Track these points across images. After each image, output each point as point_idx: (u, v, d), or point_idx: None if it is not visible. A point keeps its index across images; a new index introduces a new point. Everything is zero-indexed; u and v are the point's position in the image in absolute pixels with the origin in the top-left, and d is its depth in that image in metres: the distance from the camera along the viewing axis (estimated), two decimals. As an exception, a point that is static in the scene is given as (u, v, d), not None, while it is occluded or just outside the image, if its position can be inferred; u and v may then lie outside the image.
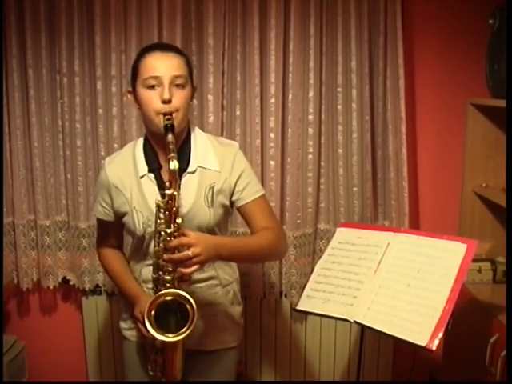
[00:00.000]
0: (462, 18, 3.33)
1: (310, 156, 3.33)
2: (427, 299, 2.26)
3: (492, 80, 3.05)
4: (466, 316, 2.84)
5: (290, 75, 3.25)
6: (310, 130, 3.30)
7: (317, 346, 3.60)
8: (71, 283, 3.55)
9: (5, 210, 3.43)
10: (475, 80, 3.23)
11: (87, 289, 3.51)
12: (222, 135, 3.30)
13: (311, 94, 3.27)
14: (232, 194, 2.35)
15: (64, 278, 3.54)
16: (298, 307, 2.55)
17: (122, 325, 2.55)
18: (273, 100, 3.24)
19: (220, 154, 2.34)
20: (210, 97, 3.25)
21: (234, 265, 2.55)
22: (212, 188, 2.29)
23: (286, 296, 3.52)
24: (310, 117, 3.29)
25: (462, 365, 3.03)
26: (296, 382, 3.67)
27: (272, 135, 3.27)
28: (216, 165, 2.31)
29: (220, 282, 2.43)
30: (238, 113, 3.31)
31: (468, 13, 3.31)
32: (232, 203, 2.38)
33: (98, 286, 3.51)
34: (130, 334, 2.51)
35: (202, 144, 2.35)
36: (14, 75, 3.27)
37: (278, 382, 3.67)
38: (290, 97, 3.27)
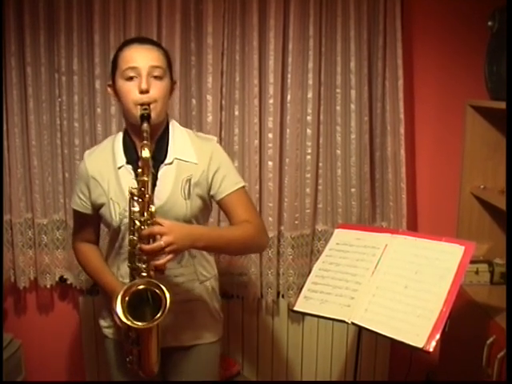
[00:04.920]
0: (462, 19, 3.33)
1: (309, 157, 3.33)
2: (425, 301, 2.25)
3: (491, 82, 3.05)
4: (463, 317, 2.84)
5: (289, 76, 3.25)
6: (309, 131, 3.30)
7: (314, 346, 3.60)
8: (68, 282, 3.54)
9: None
10: (474, 81, 3.24)
11: (84, 288, 3.50)
12: (220, 135, 3.31)
13: (310, 94, 3.27)
14: (210, 188, 2.36)
15: (61, 277, 3.53)
16: (296, 308, 2.55)
17: (102, 323, 2.55)
18: (271, 100, 3.24)
19: (198, 146, 2.37)
20: (209, 97, 3.25)
21: (212, 261, 2.55)
22: (189, 180, 2.31)
23: (283, 296, 3.52)
24: (309, 117, 3.29)
25: (458, 366, 3.03)
26: (295, 382, 3.67)
27: (270, 136, 3.27)
28: (194, 157, 2.33)
29: (197, 278, 2.43)
30: (236, 113, 3.31)
31: (468, 14, 3.32)
32: (212, 197, 2.39)
33: (94, 285, 3.50)
34: (109, 332, 2.52)
35: (180, 137, 2.38)
36: (12, 73, 3.27)
37: (276, 382, 3.67)
38: (288, 97, 3.28)
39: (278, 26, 3.19)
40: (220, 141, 3.31)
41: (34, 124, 3.32)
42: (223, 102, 3.32)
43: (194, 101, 3.32)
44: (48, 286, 3.55)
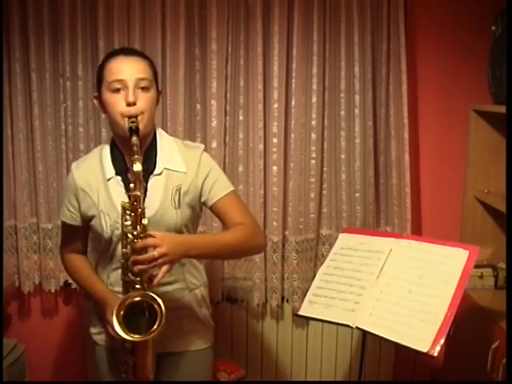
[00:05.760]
0: (465, 24, 3.34)
1: (313, 161, 3.34)
2: (429, 305, 2.26)
3: (494, 86, 3.06)
4: (467, 322, 2.84)
5: (293, 81, 3.27)
6: (313, 136, 3.31)
7: (318, 351, 3.60)
8: (73, 287, 3.54)
9: (7, 212, 3.44)
10: (478, 86, 3.24)
11: (89, 292, 3.50)
12: (224, 140, 3.33)
13: (314, 99, 3.28)
14: (201, 195, 2.36)
15: (66, 282, 3.54)
16: (300, 312, 2.55)
17: (92, 330, 2.53)
18: (276, 105, 3.25)
19: (186, 155, 2.36)
20: (213, 102, 3.26)
21: (202, 269, 2.54)
22: (179, 189, 2.30)
23: (287, 301, 3.52)
24: (313, 122, 3.30)
25: (463, 371, 3.03)
26: (295, 382, 3.67)
27: (275, 140, 3.28)
28: (182, 166, 2.33)
29: (187, 286, 2.42)
30: (241, 118, 3.33)
31: (471, 19, 3.32)
32: (203, 204, 2.39)
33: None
34: (100, 339, 2.50)
35: (167, 146, 2.37)
36: (17, 79, 3.29)
37: (275, 382, 3.67)
38: (293, 102, 3.28)
39: (282, 31, 3.20)
40: (224, 146, 3.33)
41: (39, 129, 3.34)
42: (228, 107, 3.33)
43: (198, 106, 3.33)
44: (52, 291, 3.55)
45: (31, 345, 3.61)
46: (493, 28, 3.03)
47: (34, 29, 3.23)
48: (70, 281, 3.51)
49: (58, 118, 3.37)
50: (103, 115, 3.25)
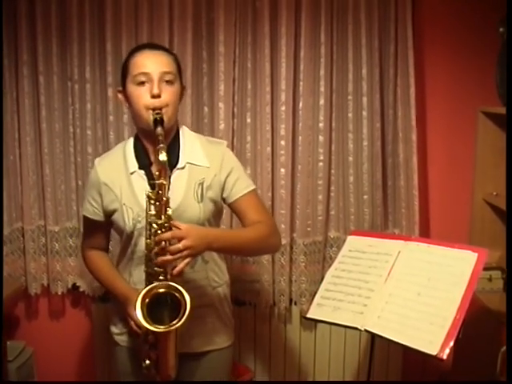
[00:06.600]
0: (473, 25, 3.33)
1: (321, 164, 3.33)
2: (438, 308, 2.25)
3: (502, 88, 3.04)
4: (476, 324, 2.82)
5: (301, 83, 3.26)
6: (321, 138, 3.31)
7: (326, 353, 3.59)
8: (81, 289, 3.55)
9: (14, 215, 3.44)
10: (486, 88, 3.22)
11: (97, 295, 3.51)
12: (232, 143, 3.33)
13: (322, 101, 3.28)
14: (222, 191, 2.38)
15: (74, 285, 3.54)
16: (308, 315, 2.55)
17: (113, 329, 2.54)
18: (283, 108, 3.25)
19: (209, 151, 2.39)
20: (221, 104, 3.27)
21: (224, 268, 2.55)
22: (201, 184, 2.32)
23: (295, 303, 3.51)
24: (321, 124, 3.30)
25: (472, 374, 3.01)
26: (303, 383, 3.66)
27: (283, 143, 3.28)
28: (205, 161, 2.35)
29: (209, 284, 2.43)
30: (248, 120, 3.32)
31: (479, 21, 3.31)
32: (223, 200, 2.41)
33: (107, 292, 3.49)
34: (121, 339, 2.51)
35: (190, 141, 2.39)
36: (24, 82, 3.30)
37: (284, 382, 3.67)
38: (300, 104, 3.28)
39: (290, 33, 3.20)
40: (232, 148, 3.32)
41: (47, 132, 3.35)
42: (235, 110, 3.33)
43: (206, 108, 3.34)
44: (60, 293, 3.56)
45: (38, 347, 3.62)
46: (501, 30, 3.02)
47: (42, 31, 3.24)
48: (78, 283, 3.53)
49: (65, 121, 3.38)
50: (111, 117, 3.27)
